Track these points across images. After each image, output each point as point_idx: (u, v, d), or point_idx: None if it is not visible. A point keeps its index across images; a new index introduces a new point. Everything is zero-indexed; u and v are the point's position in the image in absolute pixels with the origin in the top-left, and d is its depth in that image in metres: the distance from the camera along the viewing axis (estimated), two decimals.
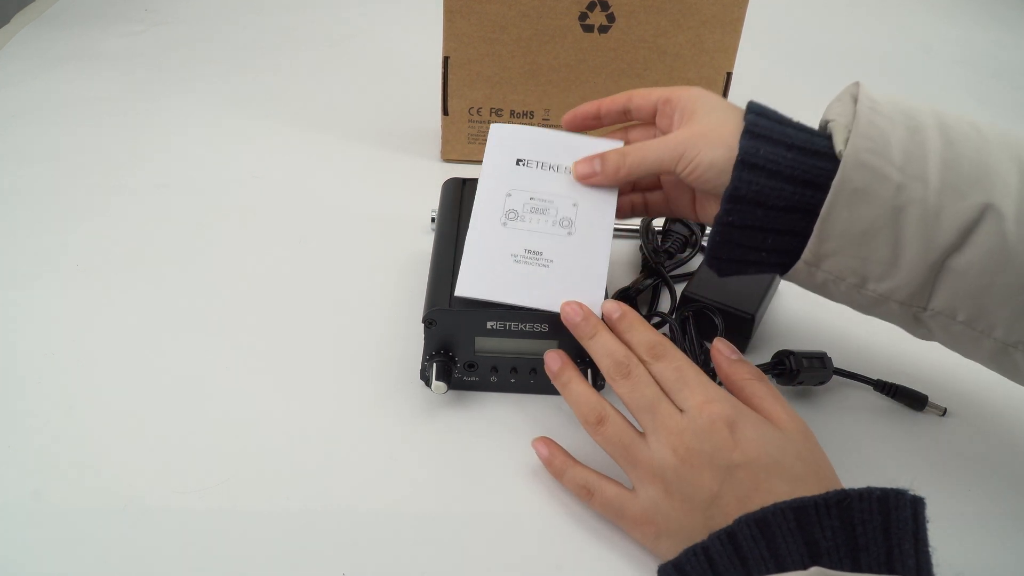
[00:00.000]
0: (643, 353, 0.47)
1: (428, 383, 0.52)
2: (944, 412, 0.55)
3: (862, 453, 0.52)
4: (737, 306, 0.57)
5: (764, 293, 0.59)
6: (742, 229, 0.46)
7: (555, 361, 0.50)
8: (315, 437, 0.51)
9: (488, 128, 0.57)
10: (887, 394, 0.55)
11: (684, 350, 0.53)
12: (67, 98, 0.85)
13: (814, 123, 0.47)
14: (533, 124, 0.76)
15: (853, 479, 0.41)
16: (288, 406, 0.53)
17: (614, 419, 0.47)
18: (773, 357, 0.56)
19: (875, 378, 0.56)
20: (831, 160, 0.44)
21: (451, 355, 0.52)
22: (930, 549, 0.37)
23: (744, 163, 0.45)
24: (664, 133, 0.52)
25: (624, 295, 0.61)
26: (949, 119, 0.44)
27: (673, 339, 0.54)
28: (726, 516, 0.40)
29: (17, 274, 0.63)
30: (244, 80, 0.91)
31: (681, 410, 0.44)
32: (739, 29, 0.71)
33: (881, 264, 0.44)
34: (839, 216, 0.43)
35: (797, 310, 0.63)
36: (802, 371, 0.54)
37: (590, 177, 0.53)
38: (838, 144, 0.44)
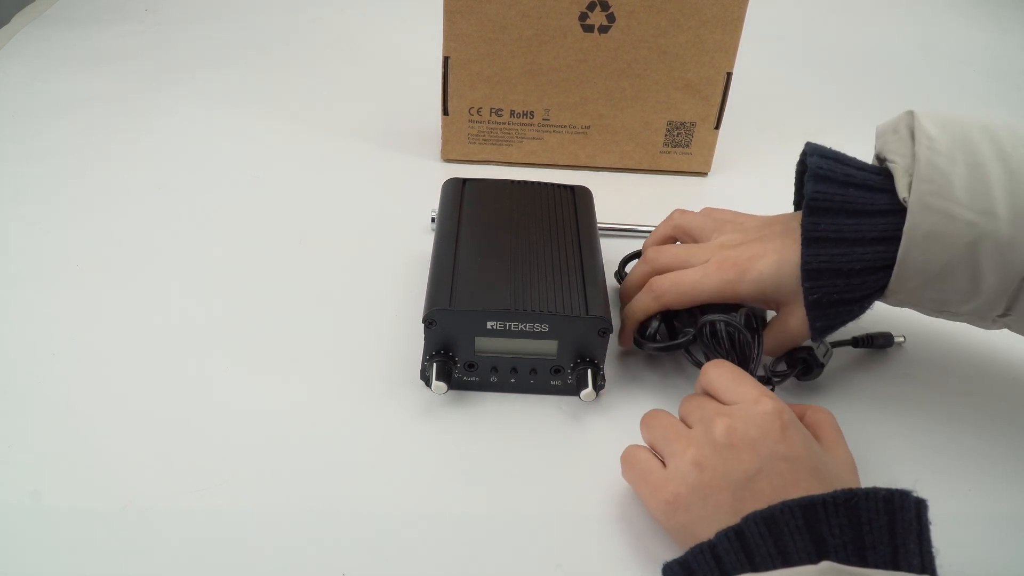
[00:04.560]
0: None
1: (428, 383, 0.52)
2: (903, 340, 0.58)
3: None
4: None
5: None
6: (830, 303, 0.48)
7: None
8: (315, 437, 0.51)
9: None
10: None
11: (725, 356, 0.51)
12: (67, 98, 0.85)
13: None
14: (533, 124, 0.76)
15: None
16: (287, 406, 0.53)
17: (661, 415, 0.48)
18: (786, 358, 0.54)
19: None
20: (894, 214, 0.46)
21: (451, 355, 0.52)
22: (933, 550, 0.37)
23: (810, 240, 0.47)
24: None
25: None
26: (1006, 144, 0.46)
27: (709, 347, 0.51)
28: (757, 501, 0.39)
29: (17, 274, 0.63)
30: (244, 80, 0.91)
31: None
32: (739, 29, 0.71)
33: (961, 293, 0.47)
34: (914, 259, 0.46)
35: None
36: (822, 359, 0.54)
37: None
38: (901, 191, 0.46)
